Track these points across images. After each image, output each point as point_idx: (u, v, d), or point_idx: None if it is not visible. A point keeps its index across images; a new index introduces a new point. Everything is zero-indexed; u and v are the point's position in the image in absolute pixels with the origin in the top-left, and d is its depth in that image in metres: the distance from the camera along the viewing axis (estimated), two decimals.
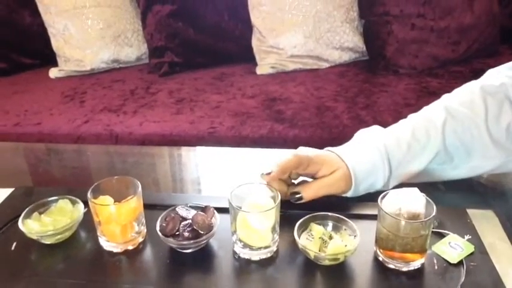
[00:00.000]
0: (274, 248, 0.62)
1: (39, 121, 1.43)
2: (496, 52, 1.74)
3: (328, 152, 0.69)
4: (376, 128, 0.73)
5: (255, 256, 0.61)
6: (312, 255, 0.58)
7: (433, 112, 0.71)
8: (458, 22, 1.63)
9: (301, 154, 0.67)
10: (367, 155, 0.67)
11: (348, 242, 0.59)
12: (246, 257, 0.61)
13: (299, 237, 0.60)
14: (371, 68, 1.69)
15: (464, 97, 0.71)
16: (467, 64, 1.67)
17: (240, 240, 0.60)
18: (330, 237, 0.60)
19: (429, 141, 0.68)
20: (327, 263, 0.58)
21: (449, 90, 1.47)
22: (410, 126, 0.70)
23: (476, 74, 1.62)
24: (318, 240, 0.60)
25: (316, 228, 0.61)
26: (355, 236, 0.59)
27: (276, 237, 0.61)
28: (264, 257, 0.61)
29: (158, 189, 0.84)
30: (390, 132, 0.70)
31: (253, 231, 0.59)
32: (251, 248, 0.60)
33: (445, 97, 0.73)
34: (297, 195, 0.66)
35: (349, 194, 0.68)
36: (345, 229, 0.61)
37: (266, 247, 0.60)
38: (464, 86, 0.73)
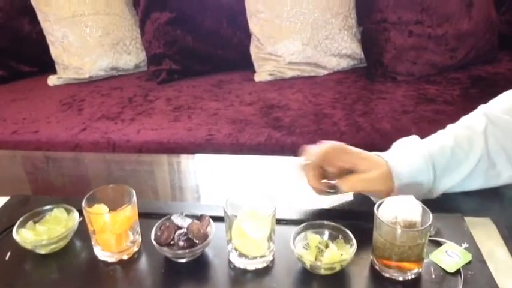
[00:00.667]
0: (270, 258, 0.61)
1: (37, 129, 1.42)
2: (494, 59, 1.74)
3: (368, 152, 0.69)
4: (415, 137, 0.72)
5: (251, 265, 0.60)
6: (307, 264, 0.58)
7: (473, 120, 0.71)
8: (456, 29, 1.64)
9: (341, 144, 0.67)
10: (411, 157, 0.67)
11: (344, 251, 0.58)
12: (242, 266, 0.60)
13: (295, 246, 0.59)
14: (369, 75, 1.70)
15: (504, 104, 0.71)
16: (466, 71, 1.67)
17: (236, 249, 0.60)
18: (326, 246, 0.59)
19: (472, 147, 0.68)
20: (322, 272, 0.58)
21: (447, 97, 1.49)
22: (451, 134, 0.70)
23: (475, 80, 1.64)
24: (314, 249, 0.59)
25: (312, 237, 0.61)
26: (351, 245, 0.59)
27: (272, 246, 0.61)
28: (259, 266, 0.60)
29: (155, 197, 0.83)
30: (432, 140, 0.71)
31: (249, 240, 0.58)
32: (247, 257, 0.60)
33: (483, 106, 0.73)
34: (333, 186, 0.66)
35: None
36: (341, 238, 0.61)
37: (262, 256, 0.60)
38: (503, 94, 0.73)
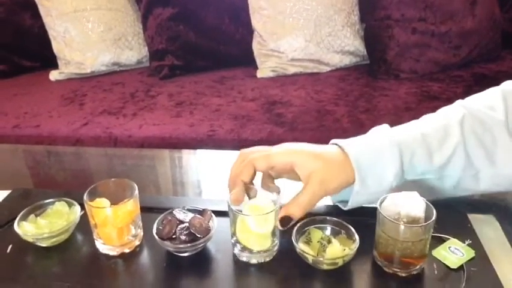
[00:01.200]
0: (274, 252, 0.61)
1: (38, 123, 1.42)
2: (497, 57, 1.73)
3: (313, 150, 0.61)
4: (386, 125, 0.66)
5: (254, 259, 0.60)
6: (310, 259, 0.57)
7: (450, 110, 0.65)
8: (459, 27, 1.63)
9: (252, 157, 0.60)
10: (371, 142, 0.61)
11: (347, 247, 0.58)
12: (245, 259, 0.60)
13: (297, 241, 0.59)
14: (372, 72, 1.69)
15: (484, 99, 0.65)
16: (469, 69, 1.66)
17: (239, 243, 0.60)
18: (329, 242, 0.59)
19: (447, 136, 0.61)
20: (325, 267, 0.57)
21: (450, 94, 1.48)
22: (424, 122, 0.64)
23: (478, 78, 1.63)
24: (317, 244, 0.59)
25: (314, 232, 0.61)
26: (354, 240, 0.59)
27: (276, 241, 0.60)
28: (262, 260, 0.60)
29: (157, 192, 0.83)
30: (402, 126, 0.64)
31: (253, 234, 0.58)
32: (250, 251, 0.59)
33: (461, 100, 0.67)
34: (287, 220, 0.58)
35: (356, 188, 0.59)
36: (344, 233, 0.61)
37: (266, 251, 0.60)
38: (484, 92, 0.68)
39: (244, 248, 0.60)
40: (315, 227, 0.61)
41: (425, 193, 0.62)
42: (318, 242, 0.59)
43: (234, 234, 0.60)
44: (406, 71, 1.64)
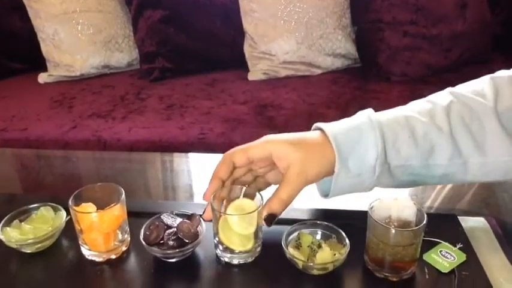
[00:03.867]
0: (257, 253, 0.60)
1: (26, 127, 1.40)
2: (488, 60, 1.74)
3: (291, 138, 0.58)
4: (370, 109, 0.62)
5: (236, 260, 0.59)
6: (300, 264, 0.56)
7: (436, 96, 0.62)
8: (450, 29, 1.63)
9: (230, 151, 0.59)
10: (353, 123, 0.58)
11: (337, 251, 0.57)
12: (227, 260, 0.60)
13: (287, 245, 0.58)
14: (363, 75, 1.69)
15: (472, 86, 0.62)
16: (460, 72, 1.66)
17: (222, 243, 0.59)
18: (319, 246, 0.58)
19: (432, 122, 0.57)
20: (315, 272, 0.56)
21: None
22: (410, 107, 0.61)
23: (469, 81, 1.62)
24: (307, 249, 0.58)
25: (304, 237, 0.60)
26: (344, 245, 0.58)
27: (259, 242, 0.60)
28: (242, 261, 0.59)
29: (147, 197, 0.82)
30: (387, 110, 0.61)
31: (235, 234, 0.57)
32: (232, 251, 0.59)
33: (451, 87, 0.63)
34: (270, 217, 0.56)
35: (336, 170, 0.55)
36: (334, 238, 0.60)
37: (248, 251, 0.59)
38: (474, 80, 0.64)
39: (226, 249, 0.59)
40: (305, 231, 0.60)
41: (411, 183, 0.61)
42: (308, 246, 0.58)
43: (216, 234, 0.59)
44: (398, 73, 1.64)
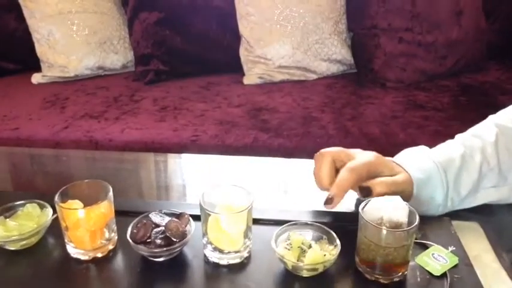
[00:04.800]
0: (245, 254, 0.59)
1: (17, 126, 1.39)
2: (483, 68, 1.74)
3: (384, 158, 0.66)
4: (423, 147, 0.69)
5: (224, 260, 0.58)
6: (289, 265, 0.55)
7: (483, 130, 0.69)
8: (445, 37, 1.64)
9: (357, 167, 0.62)
10: (422, 163, 0.65)
11: (327, 252, 0.56)
12: (216, 260, 0.58)
13: (277, 246, 0.57)
14: (358, 80, 1.69)
15: None
16: (455, 78, 1.67)
17: (210, 243, 0.58)
18: (309, 247, 0.57)
19: (484, 156, 0.65)
20: (305, 273, 0.55)
21: (436, 104, 1.48)
22: (459, 144, 0.67)
23: (464, 88, 1.63)
24: (297, 249, 0.57)
25: (295, 237, 0.59)
26: (335, 246, 0.57)
27: (248, 242, 0.59)
28: (232, 261, 0.58)
29: (138, 196, 0.80)
30: (438, 148, 0.68)
31: (224, 234, 0.56)
32: (221, 251, 0.58)
33: (493, 116, 0.71)
34: (366, 189, 0.61)
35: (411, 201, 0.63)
36: (325, 239, 0.59)
37: (236, 252, 0.58)
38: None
39: (215, 249, 0.58)
40: (295, 232, 0.59)
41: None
42: (298, 247, 0.57)
43: (205, 233, 0.58)
44: (393, 80, 1.64)
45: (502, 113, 0.71)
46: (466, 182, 0.65)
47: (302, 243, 0.57)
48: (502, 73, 1.69)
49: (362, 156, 0.64)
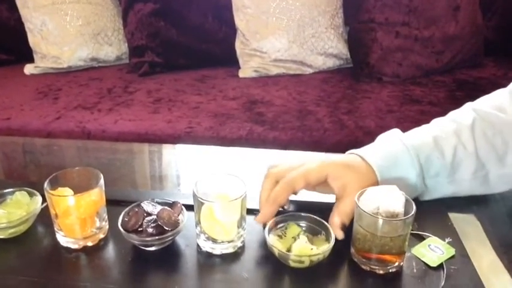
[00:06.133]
0: (239, 244, 0.58)
1: (9, 116, 1.37)
2: (479, 64, 1.74)
3: (330, 161, 0.62)
4: (396, 130, 0.67)
5: (217, 250, 0.57)
6: (276, 253, 0.54)
7: (460, 114, 0.67)
8: (442, 32, 1.63)
9: (290, 179, 0.59)
10: (389, 147, 0.63)
11: (320, 246, 0.55)
12: (209, 250, 0.57)
13: (269, 232, 0.56)
14: (355, 75, 1.68)
15: (493, 101, 0.67)
16: (451, 74, 1.66)
17: (204, 233, 0.57)
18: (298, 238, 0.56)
19: (459, 140, 0.63)
20: (291, 264, 0.54)
21: (432, 98, 1.47)
22: (435, 127, 0.65)
23: (460, 84, 1.63)
24: (290, 239, 0.56)
25: (291, 227, 0.58)
26: (329, 242, 0.56)
27: (242, 232, 0.58)
28: (225, 251, 0.57)
29: (131, 186, 0.79)
30: (412, 132, 0.66)
31: (217, 223, 0.55)
32: (214, 241, 0.57)
33: (471, 102, 0.69)
34: (343, 228, 0.57)
35: None
36: (323, 234, 0.58)
37: (230, 241, 0.57)
38: (492, 93, 0.70)
39: (208, 238, 0.57)
40: (294, 223, 0.58)
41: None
42: (292, 237, 0.56)
43: (198, 223, 0.57)
44: (389, 74, 1.63)
45: (480, 99, 0.69)
46: (437, 163, 0.62)
47: (297, 235, 0.56)
48: (498, 69, 1.69)
49: (300, 168, 0.61)
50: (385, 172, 0.60)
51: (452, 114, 0.68)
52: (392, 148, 0.62)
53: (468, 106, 0.68)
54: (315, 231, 0.58)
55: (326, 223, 0.58)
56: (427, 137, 0.63)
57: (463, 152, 0.63)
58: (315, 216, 0.59)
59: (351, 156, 0.64)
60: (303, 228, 0.59)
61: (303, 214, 0.59)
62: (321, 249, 0.54)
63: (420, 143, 0.63)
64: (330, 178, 0.60)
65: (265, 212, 0.58)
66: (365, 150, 0.63)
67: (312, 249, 0.54)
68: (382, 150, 0.63)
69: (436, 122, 0.68)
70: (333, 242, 0.55)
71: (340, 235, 0.57)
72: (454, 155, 0.62)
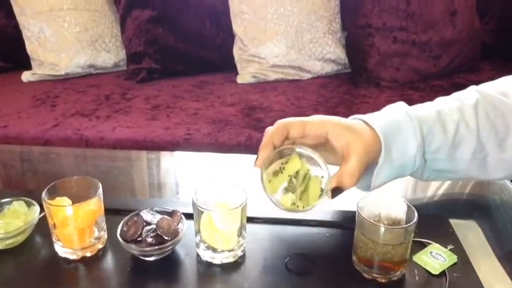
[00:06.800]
0: (239, 253, 0.57)
1: (6, 124, 1.36)
2: (477, 68, 1.74)
3: (335, 121, 0.59)
4: (401, 102, 0.64)
5: (217, 259, 0.57)
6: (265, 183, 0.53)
7: (464, 93, 0.65)
8: (440, 36, 1.63)
9: (288, 122, 0.57)
10: (394, 115, 0.60)
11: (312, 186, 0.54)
12: (209, 259, 0.57)
13: (267, 165, 0.54)
14: (353, 80, 1.68)
15: (496, 86, 0.65)
16: (449, 78, 1.66)
17: (203, 242, 0.56)
18: (304, 179, 0.53)
19: (462, 116, 0.61)
20: (281, 199, 0.53)
21: None
22: (439, 103, 0.63)
23: (458, 88, 1.60)
24: (286, 177, 0.53)
25: (294, 161, 0.54)
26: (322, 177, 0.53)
27: (242, 241, 0.57)
28: (226, 261, 0.57)
29: (130, 195, 0.78)
30: (416, 105, 0.63)
31: (217, 232, 0.55)
32: (214, 250, 0.56)
33: (474, 86, 0.66)
34: (337, 191, 0.55)
35: (381, 161, 0.57)
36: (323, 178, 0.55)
37: (230, 250, 0.56)
38: (496, 80, 0.68)
39: (208, 247, 0.56)
40: (300, 156, 0.55)
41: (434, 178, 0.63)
42: (288, 176, 0.53)
43: (198, 232, 0.56)
44: (387, 79, 1.63)
45: (485, 84, 0.67)
46: (439, 137, 0.60)
47: (296, 172, 0.53)
48: (496, 73, 1.69)
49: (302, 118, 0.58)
50: (388, 138, 0.57)
51: (456, 94, 0.66)
52: (396, 116, 0.60)
53: (472, 88, 0.66)
54: (316, 164, 0.55)
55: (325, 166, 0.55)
56: (431, 111, 0.61)
57: (465, 129, 0.61)
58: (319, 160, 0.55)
59: (354, 120, 0.61)
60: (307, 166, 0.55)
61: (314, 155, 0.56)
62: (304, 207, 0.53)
63: (423, 114, 0.60)
64: (331, 136, 0.57)
65: (261, 153, 0.55)
66: (369, 116, 0.61)
67: (297, 206, 0.53)
68: (386, 117, 0.60)
69: (440, 99, 0.66)
70: (322, 198, 0.54)
71: (331, 196, 0.55)
72: (456, 130, 0.61)
